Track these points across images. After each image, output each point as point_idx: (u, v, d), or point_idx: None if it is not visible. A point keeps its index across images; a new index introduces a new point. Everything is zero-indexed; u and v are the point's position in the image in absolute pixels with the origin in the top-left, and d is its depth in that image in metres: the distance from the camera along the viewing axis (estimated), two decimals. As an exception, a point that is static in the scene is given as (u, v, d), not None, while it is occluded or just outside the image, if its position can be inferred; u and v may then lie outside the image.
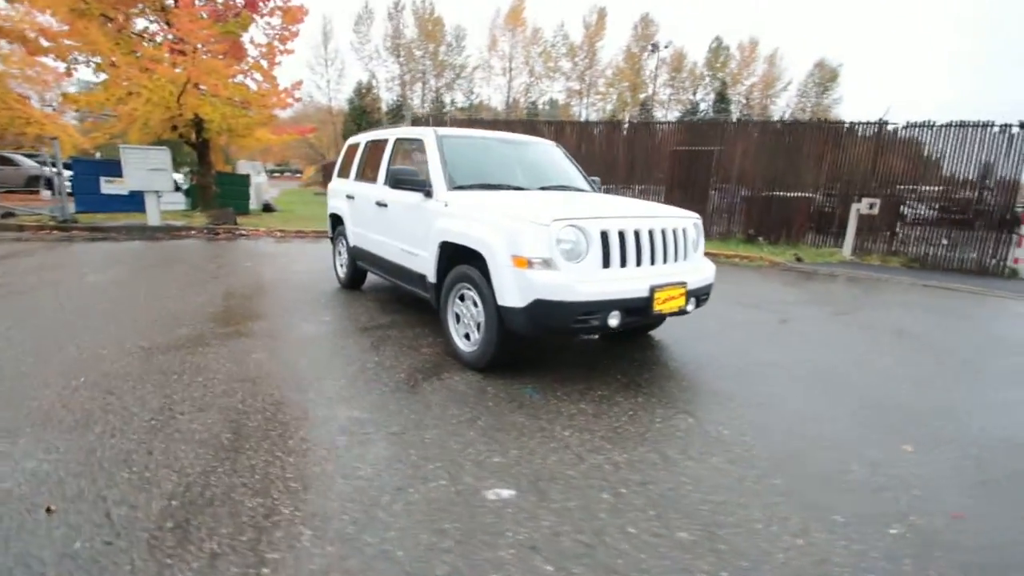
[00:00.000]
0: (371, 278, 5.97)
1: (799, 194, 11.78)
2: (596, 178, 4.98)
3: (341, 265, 6.03)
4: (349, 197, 5.47)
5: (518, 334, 3.28)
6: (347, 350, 3.91)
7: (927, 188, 11.48)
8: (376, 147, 5.21)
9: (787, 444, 2.70)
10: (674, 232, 3.52)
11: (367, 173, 5.28)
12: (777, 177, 11.90)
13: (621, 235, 3.25)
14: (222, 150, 15.78)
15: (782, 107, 46.95)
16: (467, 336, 3.65)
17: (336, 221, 6.04)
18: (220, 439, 2.49)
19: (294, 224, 12.29)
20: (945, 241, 10.77)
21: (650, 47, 37.38)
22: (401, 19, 45.41)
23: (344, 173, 5.91)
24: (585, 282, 3.07)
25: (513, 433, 2.68)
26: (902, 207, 11.33)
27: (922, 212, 11.38)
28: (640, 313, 3.24)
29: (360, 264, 5.48)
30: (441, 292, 3.81)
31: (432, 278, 3.91)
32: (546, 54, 44.62)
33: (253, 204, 15.70)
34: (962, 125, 11.05)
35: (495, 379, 3.39)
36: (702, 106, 46.75)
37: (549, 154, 4.87)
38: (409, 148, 4.65)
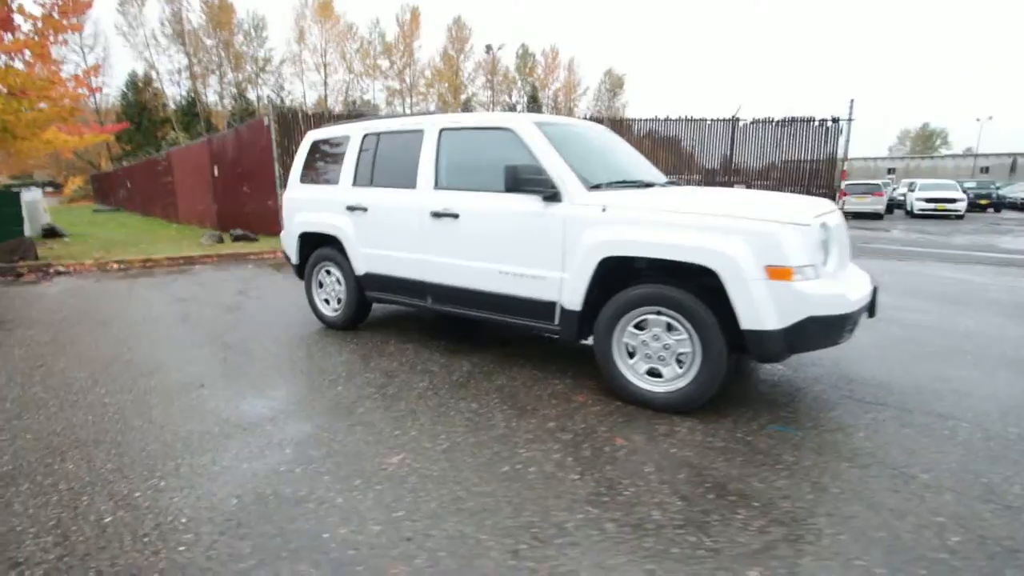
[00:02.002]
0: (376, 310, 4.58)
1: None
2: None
3: (329, 300, 4.51)
4: (352, 209, 4.08)
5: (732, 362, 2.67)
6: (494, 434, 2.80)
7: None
8: (393, 142, 3.95)
9: None
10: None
11: (381, 177, 3.99)
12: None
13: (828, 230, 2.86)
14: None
15: (584, 109, 52.08)
16: (653, 373, 2.89)
17: (314, 243, 4.51)
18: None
19: (117, 251, 9.28)
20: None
21: (486, 48, 37.90)
22: (183, 2, 38.24)
23: (320, 178, 4.43)
24: (847, 288, 2.62)
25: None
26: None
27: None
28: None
29: (374, 296, 4.14)
30: (597, 322, 2.97)
31: (576, 305, 3.02)
32: (364, 51, 42.11)
33: (28, 230, 11.53)
34: (792, 121, 13.31)
35: (711, 419, 2.73)
36: (518, 108, 49.31)
37: (618, 141, 4.22)
38: (470, 141, 3.59)
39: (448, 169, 3.64)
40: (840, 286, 2.59)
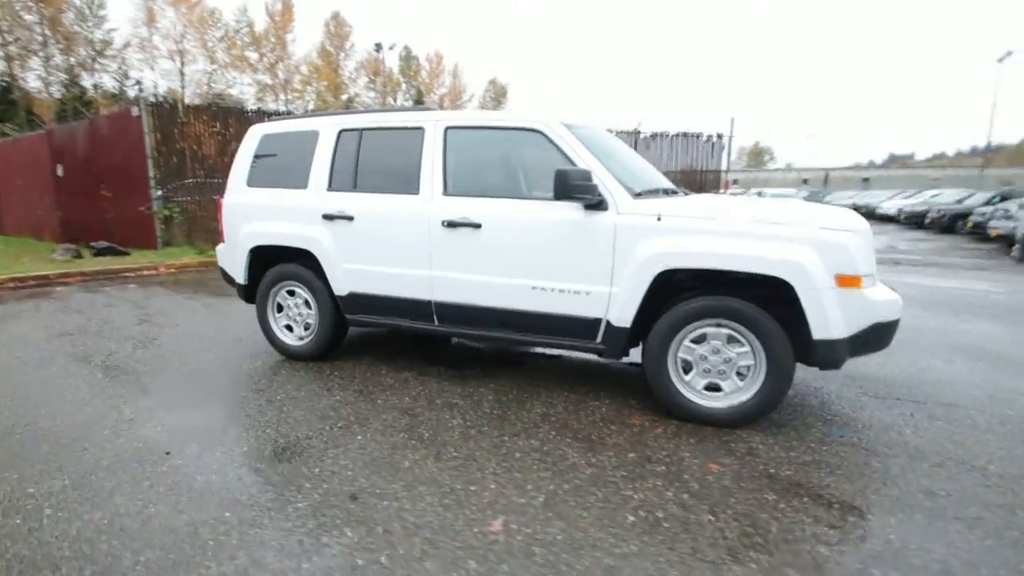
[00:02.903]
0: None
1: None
2: None
3: (293, 326, 3.79)
4: (332, 218, 3.45)
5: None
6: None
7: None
8: (380, 140, 3.43)
9: None
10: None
11: (368, 180, 3.44)
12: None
13: None
14: None
15: (471, 117, 52.30)
16: (712, 387, 2.78)
17: (268, 259, 3.77)
18: None
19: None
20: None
21: (376, 46, 35.99)
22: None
23: (278, 181, 3.72)
24: (895, 292, 2.73)
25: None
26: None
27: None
28: None
29: (359, 320, 3.56)
30: (649, 337, 2.81)
31: (626, 321, 2.83)
32: (230, 40, 37.87)
33: None
34: (685, 135, 14.50)
35: (771, 431, 2.70)
36: (404, 112, 48.16)
37: (624, 145, 4.05)
38: (485, 142, 3.22)
39: (459, 173, 3.23)
40: (891, 291, 2.71)
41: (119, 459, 2.40)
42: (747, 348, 2.69)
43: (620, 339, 2.89)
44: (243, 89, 39.27)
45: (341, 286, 3.51)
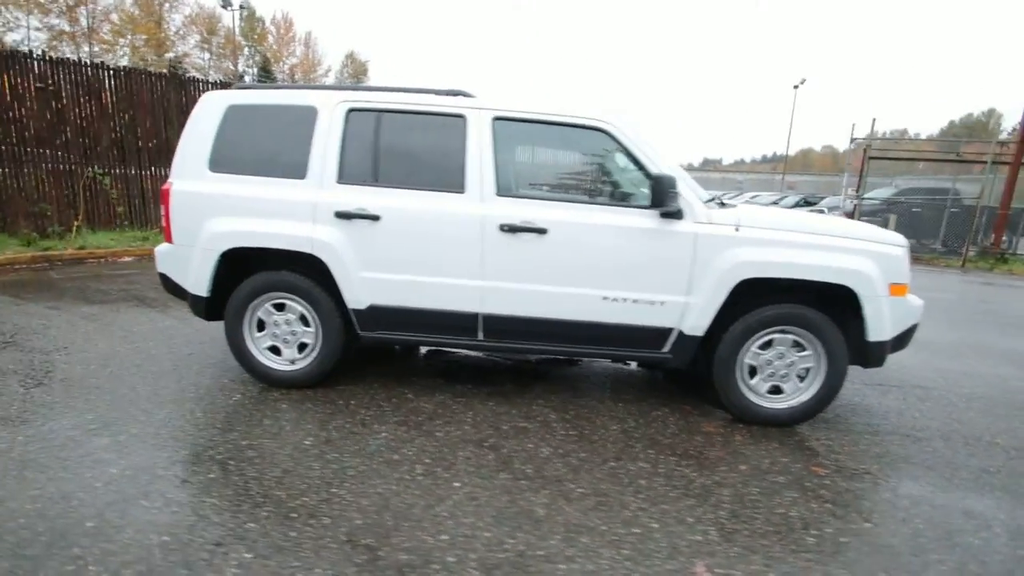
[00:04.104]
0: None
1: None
2: None
3: (281, 347, 3.07)
4: (348, 217, 2.84)
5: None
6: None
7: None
8: (406, 125, 2.92)
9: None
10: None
11: (393, 173, 2.91)
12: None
13: None
14: None
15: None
16: (775, 390, 2.92)
17: (240, 264, 3.00)
18: None
19: None
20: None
21: (222, 3, 30.45)
22: None
23: (259, 167, 2.97)
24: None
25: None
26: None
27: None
28: None
29: (379, 336, 3.01)
30: (720, 345, 2.84)
31: (700, 330, 2.82)
32: (-1, -34, 29.22)
33: None
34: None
35: (820, 428, 2.94)
36: (247, 79, 42.74)
37: None
38: (538, 137, 2.92)
39: (512, 171, 2.89)
40: (919, 298, 3.08)
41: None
42: (809, 352, 2.86)
43: (691, 348, 2.87)
44: (31, 35, 30.96)
45: (359, 298, 2.92)
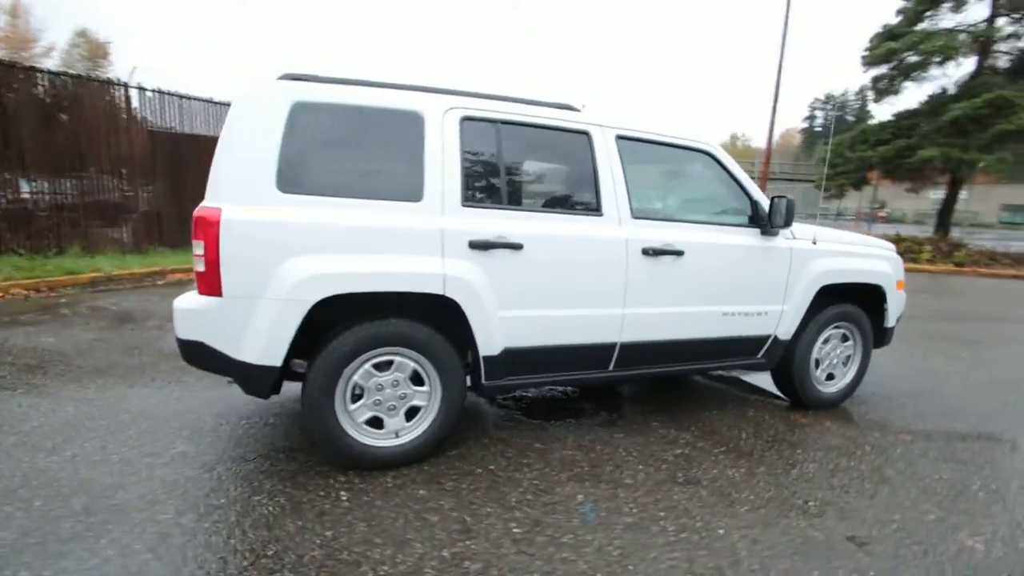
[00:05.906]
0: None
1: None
2: None
3: (384, 416, 2.37)
4: (485, 248, 2.35)
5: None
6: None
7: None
8: (526, 140, 2.57)
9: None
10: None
11: (523, 194, 2.54)
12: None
13: None
14: None
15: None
16: (829, 377, 3.43)
17: (327, 316, 2.27)
18: None
19: None
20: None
21: None
22: None
23: (352, 188, 2.29)
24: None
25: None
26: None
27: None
28: None
29: (507, 383, 2.59)
30: (799, 343, 3.23)
31: (789, 334, 3.17)
32: None
33: None
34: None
35: (847, 417, 3.59)
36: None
37: None
38: (655, 159, 2.87)
39: (638, 192, 2.77)
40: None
41: None
42: (851, 342, 3.44)
43: (779, 351, 3.19)
44: None
45: (495, 342, 2.45)
